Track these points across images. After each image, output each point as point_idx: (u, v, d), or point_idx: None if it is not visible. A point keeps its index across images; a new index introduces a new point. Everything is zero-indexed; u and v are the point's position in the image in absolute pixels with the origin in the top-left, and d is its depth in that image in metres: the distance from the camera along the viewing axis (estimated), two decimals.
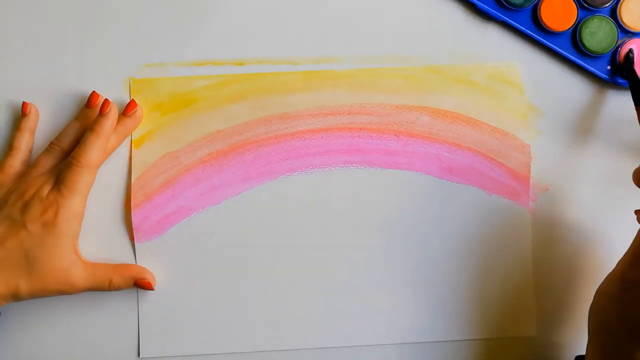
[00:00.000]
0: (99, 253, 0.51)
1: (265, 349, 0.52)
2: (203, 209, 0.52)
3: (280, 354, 0.52)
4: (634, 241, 0.44)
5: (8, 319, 0.51)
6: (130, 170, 0.52)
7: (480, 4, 0.52)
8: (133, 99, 0.52)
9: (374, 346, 0.52)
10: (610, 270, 0.45)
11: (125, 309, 0.51)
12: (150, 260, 0.51)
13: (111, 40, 0.52)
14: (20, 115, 0.52)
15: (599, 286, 0.46)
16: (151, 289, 0.51)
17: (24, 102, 0.51)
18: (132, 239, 0.51)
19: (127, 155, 0.52)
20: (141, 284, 0.50)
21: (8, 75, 0.52)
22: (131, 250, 0.51)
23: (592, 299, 0.46)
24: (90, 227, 0.51)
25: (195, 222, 0.52)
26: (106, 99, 0.51)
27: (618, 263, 0.45)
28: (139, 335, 0.51)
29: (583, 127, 0.53)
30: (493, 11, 0.52)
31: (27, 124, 0.52)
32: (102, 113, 0.50)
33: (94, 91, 0.51)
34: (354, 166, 0.52)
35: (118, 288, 0.50)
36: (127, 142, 0.52)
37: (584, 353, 0.47)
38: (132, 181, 0.52)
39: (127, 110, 0.51)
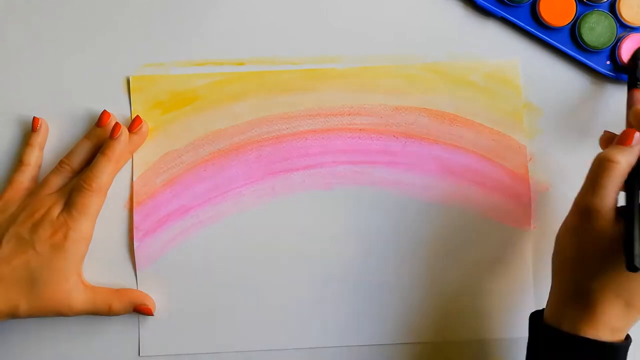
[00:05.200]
0: (99, 252, 0.51)
1: (265, 348, 0.52)
2: (204, 208, 0.52)
3: (280, 353, 0.52)
4: (589, 171, 0.43)
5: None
6: (132, 169, 0.52)
7: (479, 0, 0.52)
8: (138, 115, 0.51)
9: (373, 346, 0.52)
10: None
11: None
12: (149, 259, 0.52)
13: (111, 40, 0.53)
14: (29, 129, 0.52)
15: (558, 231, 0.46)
16: (150, 314, 0.51)
17: (34, 118, 0.51)
18: (131, 238, 0.52)
19: None
20: (140, 310, 0.50)
21: (9, 78, 0.53)
22: (132, 248, 0.52)
23: None
24: None
25: (196, 221, 0.52)
26: (117, 122, 0.50)
27: (573, 202, 0.44)
28: (139, 333, 0.51)
29: (583, 124, 0.52)
30: (492, 7, 0.52)
31: (37, 139, 0.51)
32: (113, 137, 0.50)
33: (104, 110, 0.51)
34: (354, 166, 0.52)
35: (117, 313, 0.50)
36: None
37: None
38: (133, 180, 0.52)
39: (132, 127, 0.51)
